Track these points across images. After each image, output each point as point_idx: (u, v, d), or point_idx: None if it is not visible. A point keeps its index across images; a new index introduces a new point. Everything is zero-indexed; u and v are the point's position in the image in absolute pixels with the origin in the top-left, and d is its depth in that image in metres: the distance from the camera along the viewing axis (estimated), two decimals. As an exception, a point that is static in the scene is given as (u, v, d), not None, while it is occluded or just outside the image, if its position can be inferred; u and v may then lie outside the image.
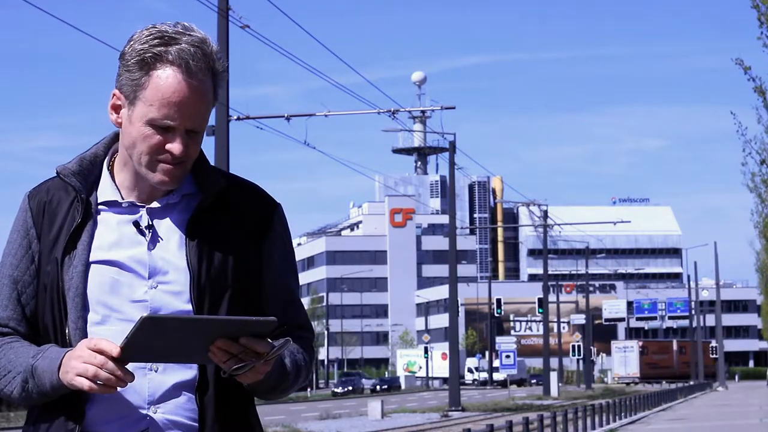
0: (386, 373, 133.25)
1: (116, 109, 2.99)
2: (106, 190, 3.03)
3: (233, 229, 3.02)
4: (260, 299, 3.04)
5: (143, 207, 3.00)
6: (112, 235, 2.99)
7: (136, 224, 2.99)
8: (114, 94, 2.99)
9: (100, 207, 3.01)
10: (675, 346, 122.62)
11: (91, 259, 2.96)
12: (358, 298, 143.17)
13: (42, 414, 2.98)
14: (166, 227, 3.00)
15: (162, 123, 2.91)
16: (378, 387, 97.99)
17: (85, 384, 2.80)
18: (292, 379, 3.00)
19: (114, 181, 3.03)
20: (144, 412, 2.92)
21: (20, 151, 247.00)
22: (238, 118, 29.78)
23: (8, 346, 2.98)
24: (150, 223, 2.99)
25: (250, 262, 3.02)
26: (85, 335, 2.93)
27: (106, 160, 3.06)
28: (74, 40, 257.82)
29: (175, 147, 2.92)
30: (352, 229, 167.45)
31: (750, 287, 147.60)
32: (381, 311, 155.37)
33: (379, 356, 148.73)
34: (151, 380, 2.92)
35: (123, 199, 3.01)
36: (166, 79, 2.91)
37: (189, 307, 2.94)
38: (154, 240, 2.98)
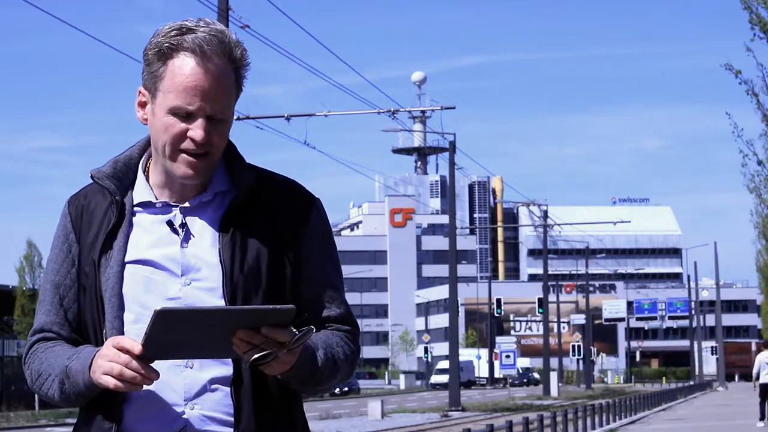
0: (386, 374, 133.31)
1: (142, 105, 3.01)
2: (140, 191, 3.04)
3: (268, 226, 3.01)
4: (297, 295, 3.02)
5: (177, 206, 3.01)
6: (146, 235, 3.01)
7: (170, 223, 3.00)
8: (139, 91, 3.01)
9: (135, 209, 3.03)
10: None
11: (126, 260, 2.98)
12: (358, 298, 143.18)
13: (84, 416, 3.01)
14: (200, 225, 3.00)
15: (181, 109, 2.92)
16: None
17: (110, 382, 2.83)
18: (327, 373, 2.97)
19: (148, 182, 3.04)
20: (181, 409, 2.92)
21: (20, 151, 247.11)
22: (238, 118, 29.82)
23: (50, 350, 3.02)
24: (183, 221, 3.00)
25: (285, 258, 3.01)
26: (121, 334, 2.95)
27: (141, 162, 3.08)
28: (74, 40, 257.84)
29: (196, 133, 2.92)
30: (352, 229, 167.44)
31: (750, 287, 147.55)
32: (381, 311, 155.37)
33: (379, 356, 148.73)
34: (187, 377, 2.93)
35: (157, 199, 3.02)
36: (182, 65, 2.93)
37: (222, 303, 2.94)
38: (188, 238, 2.99)
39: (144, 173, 3.06)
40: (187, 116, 2.92)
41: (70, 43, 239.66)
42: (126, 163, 3.07)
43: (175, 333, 2.74)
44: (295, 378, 2.92)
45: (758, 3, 25.81)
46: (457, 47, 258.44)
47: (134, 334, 2.92)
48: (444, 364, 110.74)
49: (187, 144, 2.93)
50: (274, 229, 3.01)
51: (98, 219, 3.04)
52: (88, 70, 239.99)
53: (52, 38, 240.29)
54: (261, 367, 2.82)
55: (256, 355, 2.77)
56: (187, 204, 3.01)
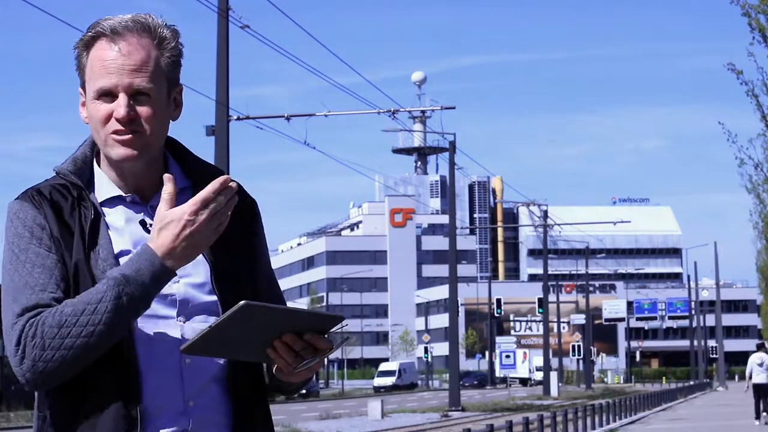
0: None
1: (83, 105, 3.00)
2: (102, 188, 2.99)
3: (233, 222, 2.97)
4: (257, 289, 3.05)
5: (146, 205, 2.98)
6: (121, 233, 2.97)
7: (143, 223, 2.97)
8: (80, 92, 3.01)
9: (102, 207, 2.98)
10: None
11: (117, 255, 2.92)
12: (358, 298, 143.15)
13: (85, 424, 2.88)
14: None
15: (101, 89, 2.91)
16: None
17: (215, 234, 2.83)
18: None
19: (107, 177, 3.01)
20: (180, 408, 2.90)
21: (20, 151, 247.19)
22: (238, 118, 29.74)
23: (69, 302, 2.79)
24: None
25: (248, 252, 3.05)
26: None
27: (94, 160, 3.04)
28: (74, 41, 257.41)
29: (117, 111, 2.89)
30: (352, 229, 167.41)
31: (750, 287, 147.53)
32: (381, 311, 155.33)
33: (379, 356, 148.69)
34: (184, 375, 2.90)
35: (123, 194, 2.98)
36: (98, 49, 2.93)
37: (213, 298, 2.94)
38: None
39: (100, 169, 3.02)
40: (111, 98, 2.91)
41: (70, 43, 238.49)
42: (83, 159, 3.02)
43: (239, 329, 2.73)
44: (300, 384, 2.96)
45: (756, 10, 26.04)
46: (457, 47, 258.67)
47: (128, 335, 2.87)
48: (386, 366, 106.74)
49: (113, 125, 2.90)
50: (237, 226, 3.01)
51: (66, 216, 2.93)
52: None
53: (52, 38, 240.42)
54: (286, 374, 2.84)
55: (303, 362, 2.79)
56: (152, 202, 2.97)
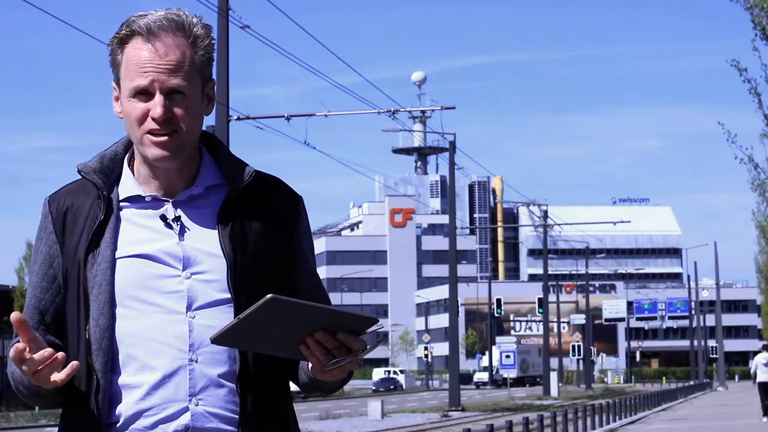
0: (385, 373, 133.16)
1: (117, 100, 3.02)
2: (127, 186, 3.02)
3: (263, 219, 3.01)
4: (293, 289, 3.04)
5: (167, 201, 3.00)
6: (138, 230, 2.98)
7: (163, 218, 2.98)
8: (113, 87, 3.03)
9: (122, 204, 3.01)
10: None
11: (117, 255, 2.95)
12: (358, 298, 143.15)
13: (71, 414, 2.98)
14: (195, 218, 2.99)
15: (138, 88, 2.93)
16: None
17: (52, 383, 2.82)
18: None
19: (134, 176, 3.03)
20: (185, 405, 2.90)
21: (20, 151, 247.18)
22: (238, 118, 29.73)
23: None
24: (176, 215, 2.98)
25: (281, 251, 3.02)
26: (108, 332, 2.92)
27: (126, 157, 3.06)
28: (74, 40, 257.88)
29: (154, 111, 2.92)
30: (352, 229, 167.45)
31: (750, 287, 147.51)
32: (381, 311, 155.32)
33: (380, 356, 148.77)
34: (192, 371, 2.90)
35: (145, 193, 3.00)
36: (134, 48, 2.95)
37: (227, 295, 2.93)
38: (183, 231, 2.97)
39: (129, 168, 3.04)
40: (147, 97, 2.93)
41: (70, 43, 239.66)
42: (112, 158, 3.05)
43: (269, 323, 2.72)
44: (337, 384, 2.96)
45: (758, 7, 25.97)
46: (457, 47, 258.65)
47: (132, 330, 2.91)
48: None
49: (150, 124, 2.92)
50: (269, 223, 3.02)
51: (83, 216, 3.00)
52: (88, 70, 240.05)
53: (52, 38, 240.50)
54: (319, 372, 2.83)
55: (334, 360, 2.79)
56: (178, 198, 3.00)
